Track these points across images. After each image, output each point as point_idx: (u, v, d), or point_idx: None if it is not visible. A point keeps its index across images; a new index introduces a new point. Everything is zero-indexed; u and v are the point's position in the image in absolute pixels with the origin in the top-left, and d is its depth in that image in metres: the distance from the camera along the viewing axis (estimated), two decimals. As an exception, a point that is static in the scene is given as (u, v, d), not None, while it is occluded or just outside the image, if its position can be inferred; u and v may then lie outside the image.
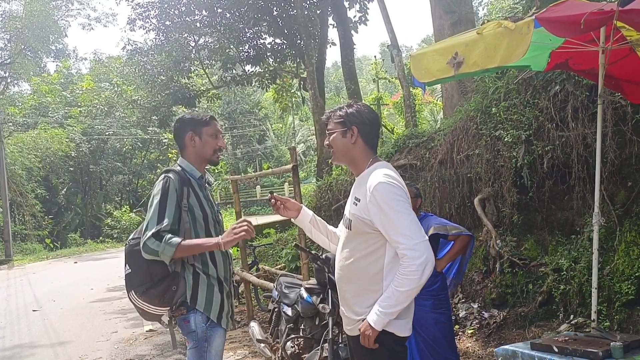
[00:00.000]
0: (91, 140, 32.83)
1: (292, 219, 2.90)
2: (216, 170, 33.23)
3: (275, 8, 15.08)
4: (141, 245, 2.78)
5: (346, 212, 2.62)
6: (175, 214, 2.84)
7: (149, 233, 2.76)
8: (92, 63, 42.01)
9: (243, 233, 2.78)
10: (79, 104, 34.43)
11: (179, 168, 3.03)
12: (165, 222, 2.79)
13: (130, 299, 2.98)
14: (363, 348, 2.45)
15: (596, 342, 3.49)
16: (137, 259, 2.89)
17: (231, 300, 3.10)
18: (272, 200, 2.82)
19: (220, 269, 3.00)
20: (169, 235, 2.76)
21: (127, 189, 39.21)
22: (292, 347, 4.59)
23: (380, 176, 2.37)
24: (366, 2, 15.74)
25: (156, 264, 2.84)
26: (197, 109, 19.88)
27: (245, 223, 2.80)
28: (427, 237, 2.32)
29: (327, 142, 2.58)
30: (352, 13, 15.85)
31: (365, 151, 2.53)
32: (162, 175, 2.95)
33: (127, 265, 2.96)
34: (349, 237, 2.53)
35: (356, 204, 2.46)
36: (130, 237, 3.04)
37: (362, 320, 2.43)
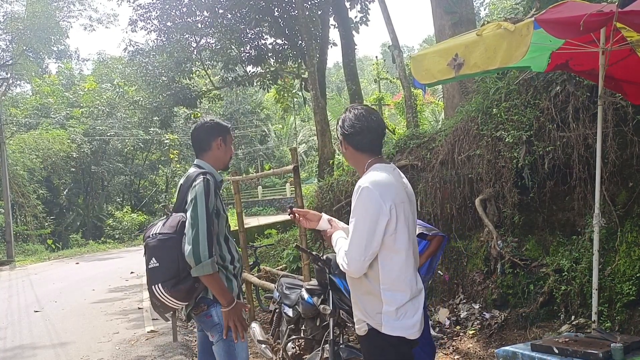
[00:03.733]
0: (93, 141, 32.90)
1: (316, 228, 2.95)
2: (217, 171, 33.20)
3: (276, 9, 15.11)
4: (191, 248, 2.79)
5: None
6: (211, 217, 2.92)
7: (204, 244, 2.80)
8: (96, 64, 42.10)
9: (240, 329, 2.93)
10: (81, 104, 34.50)
11: (205, 171, 3.05)
12: (212, 230, 2.87)
13: (154, 292, 2.93)
14: (371, 348, 2.56)
15: (597, 343, 3.49)
16: (168, 254, 2.89)
17: (241, 297, 3.16)
18: (292, 215, 2.90)
19: (236, 266, 3.10)
20: (215, 259, 2.86)
21: (129, 189, 39.26)
22: (293, 348, 4.61)
23: (366, 181, 2.44)
24: (367, 3, 15.76)
25: (186, 260, 2.86)
26: (199, 110, 19.91)
27: (243, 329, 2.95)
28: (364, 258, 2.42)
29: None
30: (353, 13, 15.92)
31: (359, 157, 2.61)
32: (202, 177, 2.95)
33: (153, 258, 2.91)
34: None
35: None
36: (156, 231, 2.96)
37: (364, 322, 2.54)
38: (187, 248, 2.80)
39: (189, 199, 2.92)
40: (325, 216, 2.92)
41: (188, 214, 2.88)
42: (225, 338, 2.95)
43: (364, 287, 2.53)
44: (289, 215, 2.93)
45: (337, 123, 2.68)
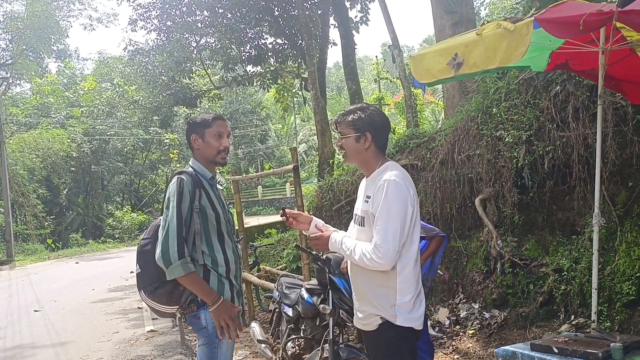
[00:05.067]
0: (93, 141, 32.88)
1: (304, 232, 2.98)
2: (218, 171, 33.21)
3: (276, 8, 15.10)
4: (160, 250, 2.78)
5: (357, 211, 2.75)
6: (188, 217, 2.86)
7: (173, 244, 2.76)
8: (97, 63, 42.08)
9: (232, 327, 2.89)
10: (81, 104, 34.49)
11: (190, 169, 3.05)
12: (184, 230, 2.82)
13: (141, 298, 3.04)
14: (381, 342, 2.60)
15: (596, 343, 3.48)
16: (146, 259, 2.93)
17: (242, 299, 3.13)
18: (284, 216, 2.91)
19: (231, 269, 3.03)
20: (188, 259, 2.80)
21: (129, 189, 39.27)
22: (292, 347, 4.61)
23: (392, 175, 2.53)
24: (367, 2, 15.74)
25: None
26: (198, 110, 19.89)
27: (236, 327, 2.91)
28: (398, 248, 2.47)
29: (340, 144, 2.71)
30: (354, 13, 15.88)
31: (376, 154, 2.68)
32: (176, 177, 2.95)
33: (137, 264, 3.00)
34: (361, 234, 2.65)
35: (367, 202, 2.60)
36: (141, 237, 3.06)
37: (377, 316, 2.58)
38: (157, 251, 2.79)
39: (165, 200, 2.93)
40: (317, 220, 2.93)
41: (163, 216, 2.89)
42: (221, 338, 2.91)
43: (378, 280, 2.56)
44: (281, 216, 2.93)
45: (357, 117, 2.65)
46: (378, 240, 2.47)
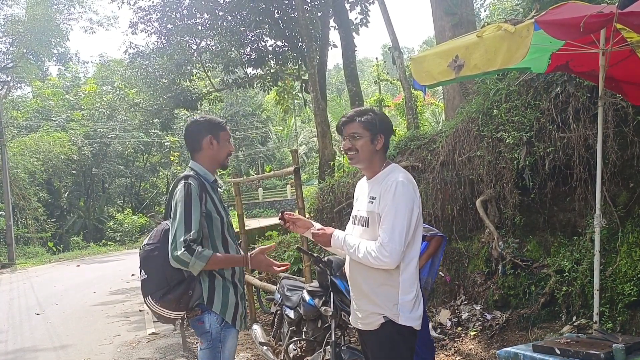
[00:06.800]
0: (93, 144, 32.91)
1: (304, 235, 3.02)
2: (218, 173, 33.19)
3: (276, 11, 15.10)
4: (171, 256, 2.78)
5: (359, 212, 2.78)
6: (200, 220, 2.85)
7: (180, 245, 2.76)
8: (97, 66, 42.10)
9: (275, 270, 2.97)
10: (82, 107, 34.51)
11: (193, 173, 3.01)
12: (193, 231, 2.80)
13: (147, 304, 2.99)
14: (383, 341, 2.62)
15: (598, 344, 3.48)
16: (153, 264, 2.89)
17: (244, 302, 3.13)
18: (282, 220, 2.93)
19: (235, 272, 3.04)
20: (200, 249, 2.79)
21: (130, 192, 39.27)
22: (294, 349, 4.61)
23: (400, 177, 2.60)
24: (367, 4, 15.73)
25: (173, 269, 2.84)
26: (199, 112, 19.88)
27: (286, 267, 2.98)
28: (404, 248, 2.52)
29: (350, 145, 2.70)
30: (353, 15, 15.83)
31: (382, 156, 2.75)
32: (182, 182, 2.92)
33: (142, 270, 2.95)
34: (365, 235, 2.67)
35: (372, 202, 2.64)
36: (144, 242, 3.00)
37: (380, 315, 2.60)
38: (170, 258, 2.79)
39: (172, 206, 2.91)
40: (316, 224, 2.94)
41: (171, 222, 2.87)
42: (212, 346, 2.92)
43: (381, 279, 2.60)
44: (279, 219, 2.94)
45: (371, 118, 2.69)
46: (385, 239, 2.50)
